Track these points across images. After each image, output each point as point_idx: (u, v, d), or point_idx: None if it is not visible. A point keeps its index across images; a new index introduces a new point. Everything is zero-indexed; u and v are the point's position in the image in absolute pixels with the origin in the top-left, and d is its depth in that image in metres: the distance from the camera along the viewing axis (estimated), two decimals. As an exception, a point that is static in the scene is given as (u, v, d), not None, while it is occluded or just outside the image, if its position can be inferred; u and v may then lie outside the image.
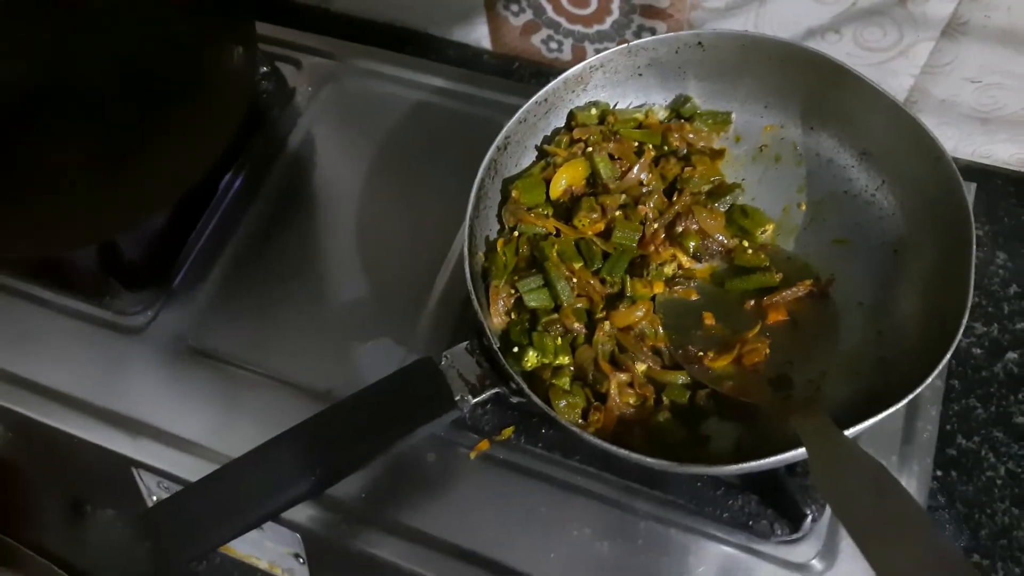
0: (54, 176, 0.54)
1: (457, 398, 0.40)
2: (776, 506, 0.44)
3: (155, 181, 0.54)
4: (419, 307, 0.56)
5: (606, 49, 0.53)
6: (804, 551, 0.45)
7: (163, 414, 0.52)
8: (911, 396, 0.38)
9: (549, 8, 0.70)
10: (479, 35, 0.76)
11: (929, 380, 0.38)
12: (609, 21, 0.68)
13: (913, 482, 0.48)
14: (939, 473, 0.56)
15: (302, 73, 0.66)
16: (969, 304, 0.39)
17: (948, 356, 0.38)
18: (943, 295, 0.41)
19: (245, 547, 0.51)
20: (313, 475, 0.37)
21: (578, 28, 0.70)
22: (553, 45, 0.74)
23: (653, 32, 0.67)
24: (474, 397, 0.40)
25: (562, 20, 0.71)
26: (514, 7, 0.72)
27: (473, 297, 0.42)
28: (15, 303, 0.58)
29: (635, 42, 0.50)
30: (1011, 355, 0.60)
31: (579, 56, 0.73)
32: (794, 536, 0.44)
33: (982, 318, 0.61)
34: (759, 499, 0.44)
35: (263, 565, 0.52)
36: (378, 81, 0.68)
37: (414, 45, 0.74)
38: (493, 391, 0.41)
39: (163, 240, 0.57)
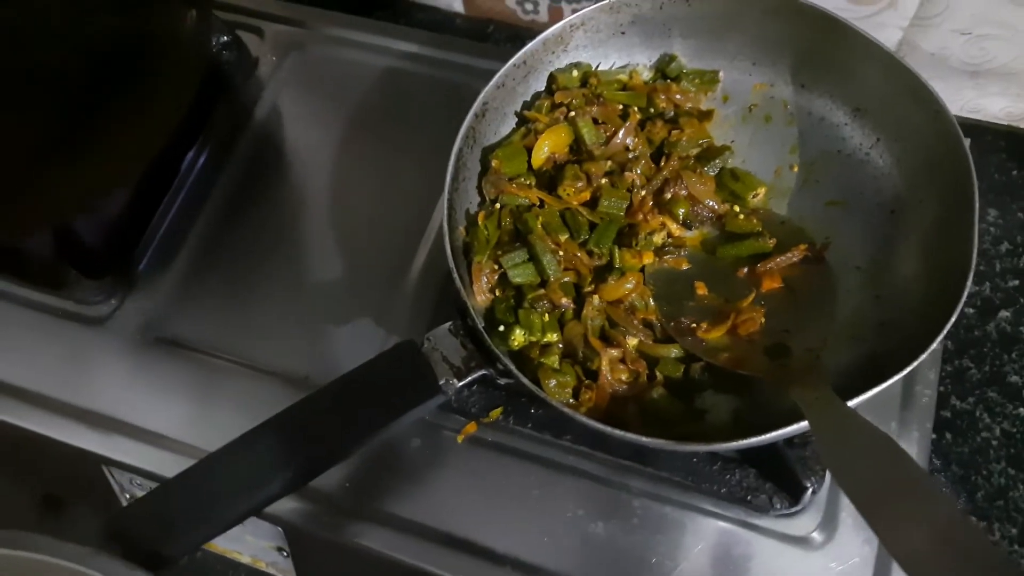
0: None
1: (442, 382, 0.38)
2: (775, 479, 0.43)
3: (109, 158, 0.50)
4: (398, 285, 0.53)
5: (584, 8, 0.50)
6: (804, 524, 0.44)
7: (131, 408, 0.49)
8: (916, 363, 0.36)
9: (524, -34, 0.67)
10: (451, -2, 0.73)
11: (934, 345, 0.36)
12: (586, -21, 0.65)
13: (914, 447, 0.47)
14: (934, 436, 0.55)
15: (265, 42, 0.62)
16: (973, 263, 0.38)
17: (953, 318, 0.37)
18: (944, 255, 0.40)
19: (226, 542, 0.49)
20: (293, 469, 0.34)
21: (554, -13, 0.67)
22: (529, 6, 0.71)
23: (632, -10, 0.64)
24: (459, 380, 0.38)
25: (538, -21, 0.67)
26: (487, -35, 0.68)
27: (455, 275, 0.40)
28: (-32, 296, 0.55)
29: (616, -1, 0.47)
30: (1004, 313, 0.59)
31: (556, 17, 0.70)
32: (794, 509, 0.43)
33: (974, 277, 0.60)
34: (757, 472, 0.43)
35: (246, 560, 0.50)
36: (346, 48, 0.64)
37: (384, 9, 0.71)
38: (479, 373, 0.39)
39: (124, 224, 0.54)
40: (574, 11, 0.49)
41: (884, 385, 0.35)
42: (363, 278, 0.54)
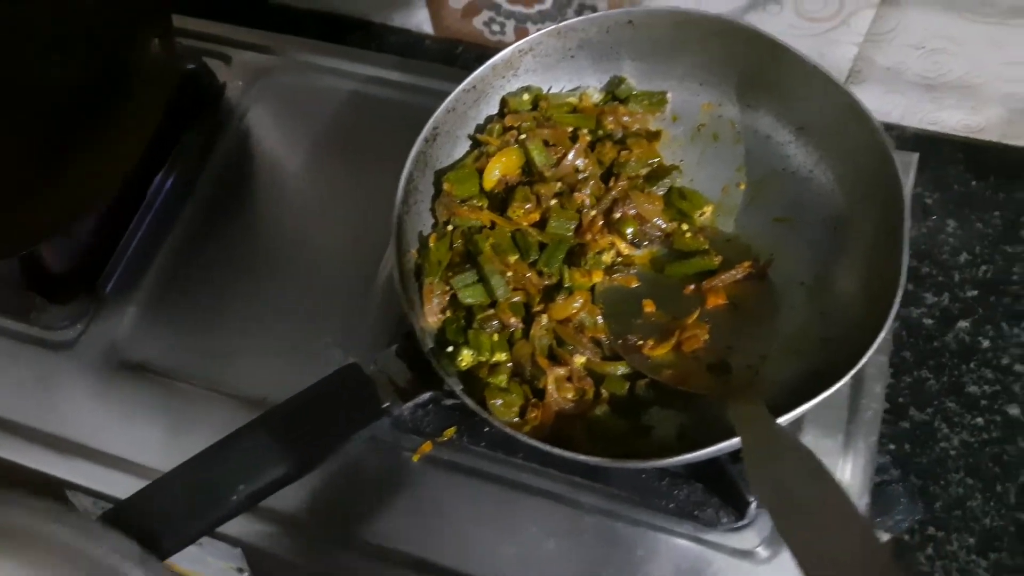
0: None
1: (386, 404, 0.39)
2: (721, 494, 0.44)
3: (77, 186, 0.52)
4: (361, 307, 0.54)
5: (533, 34, 0.51)
6: (750, 538, 0.44)
7: (96, 432, 0.50)
8: (844, 381, 0.37)
9: (488, -11, 0.68)
10: (420, 20, 0.74)
11: (862, 362, 0.37)
12: (550, 1, 0.67)
13: (860, 460, 0.47)
14: (892, 447, 0.56)
15: (233, 68, 0.64)
16: (902, 282, 0.39)
17: (881, 336, 0.38)
18: (880, 271, 0.41)
19: (187, 562, 0.50)
20: (236, 493, 0.35)
21: (519, 9, 0.69)
22: (496, 27, 0.72)
23: (594, 10, 0.65)
24: (404, 402, 0.39)
25: (502, 1, 0.69)
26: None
27: (402, 298, 0.41)
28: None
29: (564, 23, 0.49)
30: (962, 324, 0.59)
31: (523, 37, 0.72)
32: (739, 524, 0.44)
33: (932, 288, 0.61)
34: (704, 488, 0.44)
35: (208, 580, 0.51)
36: (314, 74, 0.65)
37: (354, 33, 0.72)
38: (425, 395, 0.40)
39: (90, 249, 0.55)
40: (541, 30, 0.51)
41: (810, 404, 0.36)
42: (327, 300, 0.55)
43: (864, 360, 0.37)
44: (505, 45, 0.51)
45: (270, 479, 0.36)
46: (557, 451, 0.37)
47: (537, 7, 0.68)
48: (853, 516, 0.29)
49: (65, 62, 0.55)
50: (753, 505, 0.43)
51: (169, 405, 0.51)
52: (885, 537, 0.53)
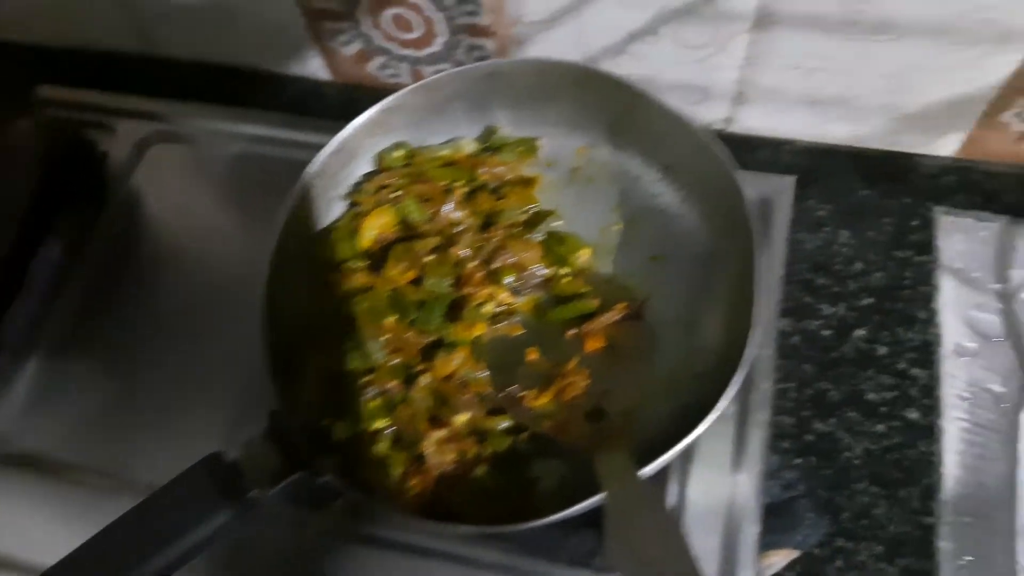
0: None
1: (253, 493, 0.38)
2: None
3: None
4: (256, 382, 0.54)
5: (442, 71, 0.51)
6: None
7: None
8: (709, 420, 0.38)
9: (377, 36, 0.68)
10: (315, 67, 0.74)
11: (725, 400, 0.38)
12: (438, 43, 0.67)
13: (747, 487, 0.48)
14: (799, 460, 0.57)
15: (117, 137, 0.63)
16: (756, 321, 0.39)
17: (741, 373, 0.38)
18: (740, 305, 0.42)
19: None
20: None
21: (410, 52, 0.69)
22: (390, 71, 0.72)
23: (483, 50, 0.66)
24: (273, 486, 0.39)
25: (392, 46, 0.69)
26: (342, 37, 0.70)
27: (267, 376, 0.41)
28: None
29: (426, 80, 0.49)
30: (859, 332, 0.61)
31: (419, 78, 0.72)
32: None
33: (828, 299, 0.62)
34: (596, 533, 0.44)
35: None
36: (202, 137, 0.65)
37: (251, 83, 0.72)
38: (294, 477, 0.39)
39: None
40: (437, 72, 0.51)
41: (676, 450, 0.37)
42: (222, 374, 0.54)
43: (728, 396, 0.37)
44: (403, 86, 0.52)
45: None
46: (430, 525, 0.37)
47: (427, 50, 0.68)
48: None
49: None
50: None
51: (57, 496, 0.50)
52: (795, 554, 0.54)
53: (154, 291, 0.58)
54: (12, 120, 0.53)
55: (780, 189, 0.58)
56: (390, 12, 0.66)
